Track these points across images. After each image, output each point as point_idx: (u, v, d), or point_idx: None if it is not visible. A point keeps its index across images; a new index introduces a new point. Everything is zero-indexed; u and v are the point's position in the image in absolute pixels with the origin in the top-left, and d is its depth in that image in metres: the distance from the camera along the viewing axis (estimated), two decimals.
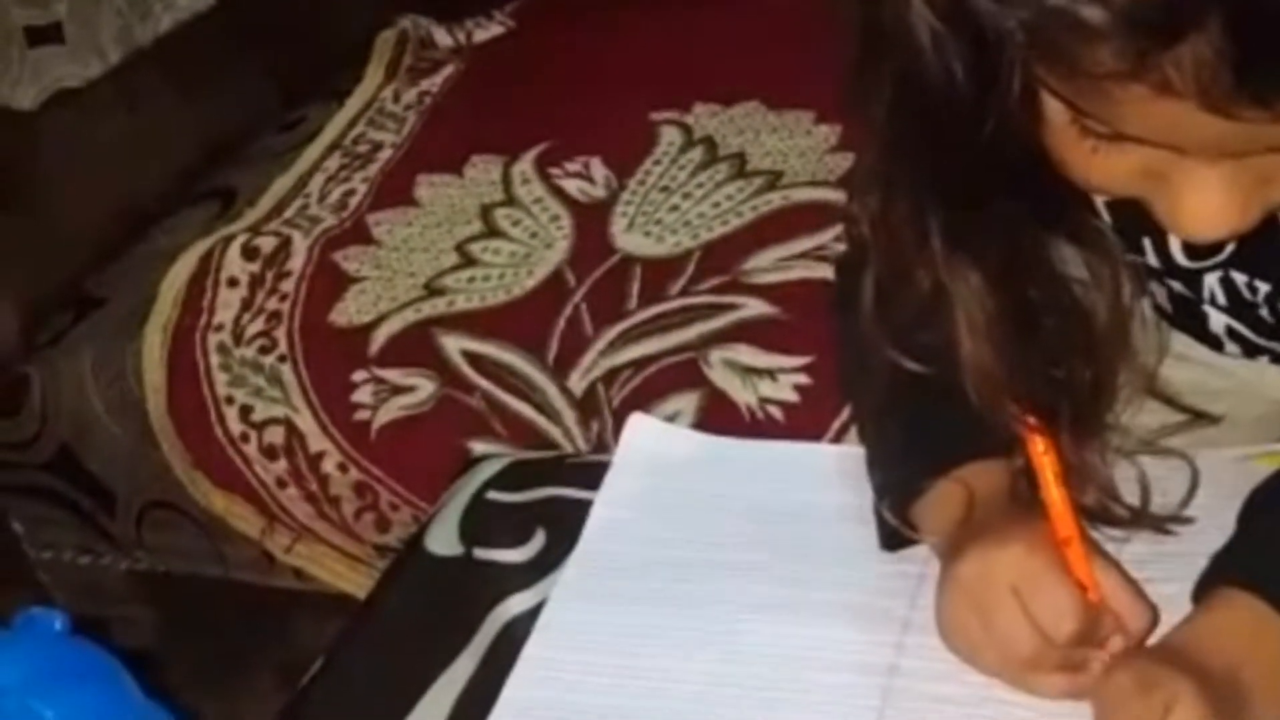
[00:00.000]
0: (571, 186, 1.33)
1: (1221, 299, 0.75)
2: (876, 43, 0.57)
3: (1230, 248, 0.70)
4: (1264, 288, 0.73)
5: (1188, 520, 0.73)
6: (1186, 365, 0.80)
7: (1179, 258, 0.72)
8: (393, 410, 1.17)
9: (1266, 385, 0.80)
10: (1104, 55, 0.50)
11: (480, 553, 0.85)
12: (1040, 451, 0.68)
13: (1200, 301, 0.75)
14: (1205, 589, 0.68)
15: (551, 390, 1.15)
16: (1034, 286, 0.65)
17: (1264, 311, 0.74)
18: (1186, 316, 0.77)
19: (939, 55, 0.55)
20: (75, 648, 0.65)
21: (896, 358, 0.68)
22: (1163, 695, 0.62)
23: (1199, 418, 0.78)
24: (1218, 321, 0.76)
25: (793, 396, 1.10)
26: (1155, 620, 0.69)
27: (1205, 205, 0.56)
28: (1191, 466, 0.74)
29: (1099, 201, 0.69)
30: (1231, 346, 0.78)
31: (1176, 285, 0.75)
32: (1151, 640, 0.69)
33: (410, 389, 1.18)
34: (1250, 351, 0.78)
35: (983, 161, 0.58)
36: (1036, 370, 0.66)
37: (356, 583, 1.19)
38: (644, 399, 1.11)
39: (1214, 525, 0.72)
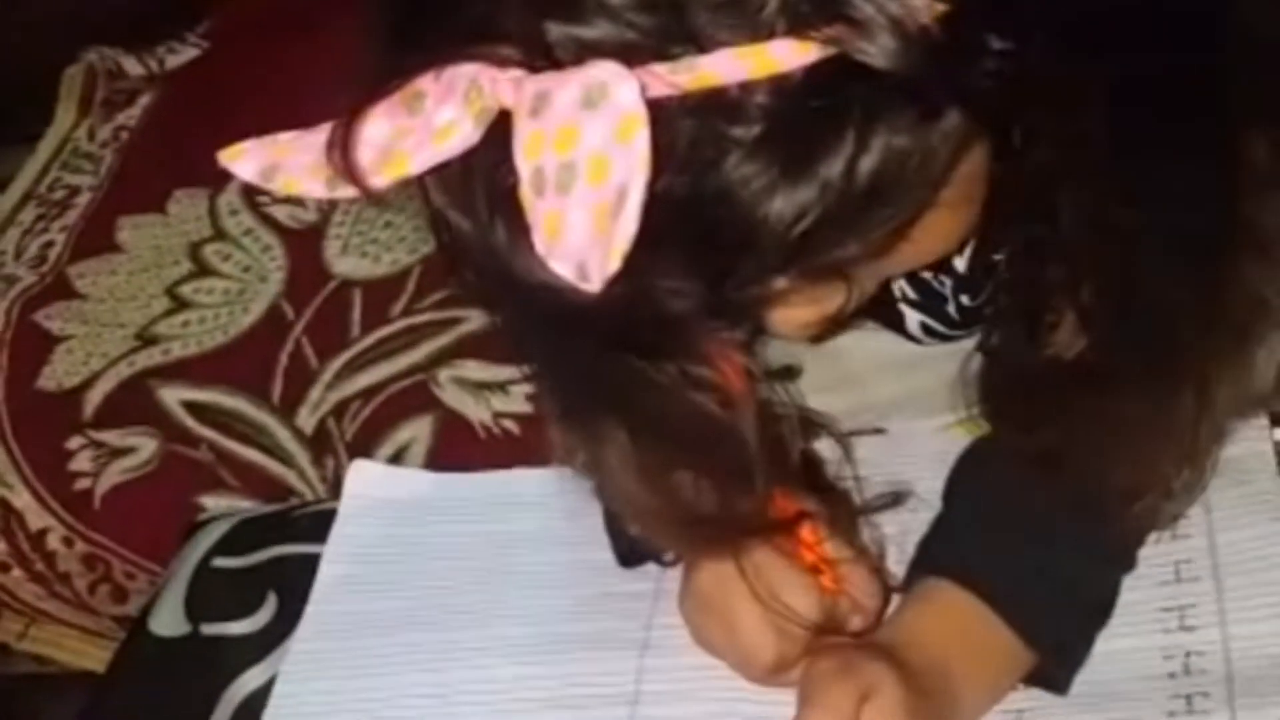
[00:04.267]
0: (281, 213, 1.28)
1: (912, 294, 0.76)
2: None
3: None
4: (949, 281, 0.74)
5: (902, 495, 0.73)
6: (899, 338, 0.80)
7: None
8: (115, 475, 1.11)
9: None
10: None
11: (208, 628, 0.81)
12: None
13: (895, 300, 0.76)
14: (913, 578, 0.69)
15: (281, 432, 1.11)
16: (666, 422, 0.59)
17: (951, 307, 0.76)
18: (888, 313, 0.78)
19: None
20: None
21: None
22: (861, 681, 0.63)
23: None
24: (913, 319, 0.78)
25: (525, 407, 1.08)
26: (887, 596, 0.69)
27: (796, 316, 0.58)
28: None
29: None
30: (929, 340, 0.79)
31: None
32: None
33: (131, 450, 1.12)
34: (945, 341, 0.79)
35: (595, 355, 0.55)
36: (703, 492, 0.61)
37: (100, 659, 1.13)
38: (376, 429, 1.08)
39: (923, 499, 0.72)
